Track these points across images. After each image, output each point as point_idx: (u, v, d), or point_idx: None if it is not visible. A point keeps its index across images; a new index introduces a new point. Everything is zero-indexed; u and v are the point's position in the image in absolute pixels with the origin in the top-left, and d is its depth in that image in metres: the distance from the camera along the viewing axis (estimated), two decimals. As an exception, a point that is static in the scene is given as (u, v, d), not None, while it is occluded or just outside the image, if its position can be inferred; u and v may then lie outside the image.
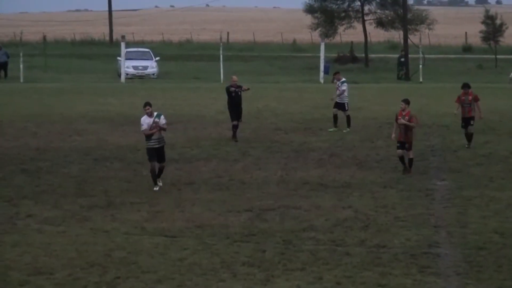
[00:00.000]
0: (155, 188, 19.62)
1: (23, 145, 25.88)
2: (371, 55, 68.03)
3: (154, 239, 15.35)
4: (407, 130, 21.37)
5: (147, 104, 19.63)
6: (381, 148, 25.47)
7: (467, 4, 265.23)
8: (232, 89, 26.38)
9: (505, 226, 16.11)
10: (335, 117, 28.75)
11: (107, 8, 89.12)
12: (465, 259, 14.05)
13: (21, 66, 49.46)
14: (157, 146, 19.65)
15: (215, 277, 13.14)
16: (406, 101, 21.49)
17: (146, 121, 19.53)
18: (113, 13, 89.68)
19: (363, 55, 66.21)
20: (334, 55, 66.96)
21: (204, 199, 18.65)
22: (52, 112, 32.87)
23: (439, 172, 21.92)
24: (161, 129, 19.58)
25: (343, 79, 29.20)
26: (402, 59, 55.40)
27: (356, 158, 23.84)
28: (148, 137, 19.62)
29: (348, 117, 28.74)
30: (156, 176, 19.80)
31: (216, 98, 38.07)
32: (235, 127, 26.41)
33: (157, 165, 19.77)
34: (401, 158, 21.60)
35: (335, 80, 29.56)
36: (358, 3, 67.34)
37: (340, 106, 28.76)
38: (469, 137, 25.12)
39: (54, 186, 20.02)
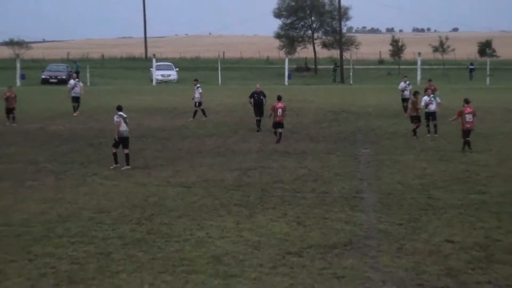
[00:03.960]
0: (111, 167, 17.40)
1: (90, 127, 25.72)
2: (319, 66, 67.98)
3: (176, 189, 15.32)
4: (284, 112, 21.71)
5: (117, 107, 17.84)
6: (326, 128, 25.50)
7: (380, 32, 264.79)
8: (256, 94, 25.36)
9: (404, 180, 16.18)
10: (195, 112, 27.47)
11: (143, 35, 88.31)
12: (379, 201, 14.10)
13: (88, 75, 49.36)
14: (125, 135, 17.64)
15: (216, 214, 13.14)
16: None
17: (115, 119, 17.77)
18: (148, 39, 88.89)
19: (314, 66, 66.21)
20: (294, 66, 66.79)
21: (208, 163, 18.62)
22: (108, 105, 32.58)
23: (363, 143, 21.96)
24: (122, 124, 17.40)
25: (198, 85, 27.47)
26: (336, 68, 56.01)
27: (309, 135, 23.86)
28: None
29: (196, 112, 27.39)
30: (116, 156, 17.49)
31: (215, 96, 37.92)
32: (258, 122, 24.72)
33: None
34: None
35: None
36: (310, 31, 67.26)
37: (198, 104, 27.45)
38: None
39: (111, 155, 19.90)
